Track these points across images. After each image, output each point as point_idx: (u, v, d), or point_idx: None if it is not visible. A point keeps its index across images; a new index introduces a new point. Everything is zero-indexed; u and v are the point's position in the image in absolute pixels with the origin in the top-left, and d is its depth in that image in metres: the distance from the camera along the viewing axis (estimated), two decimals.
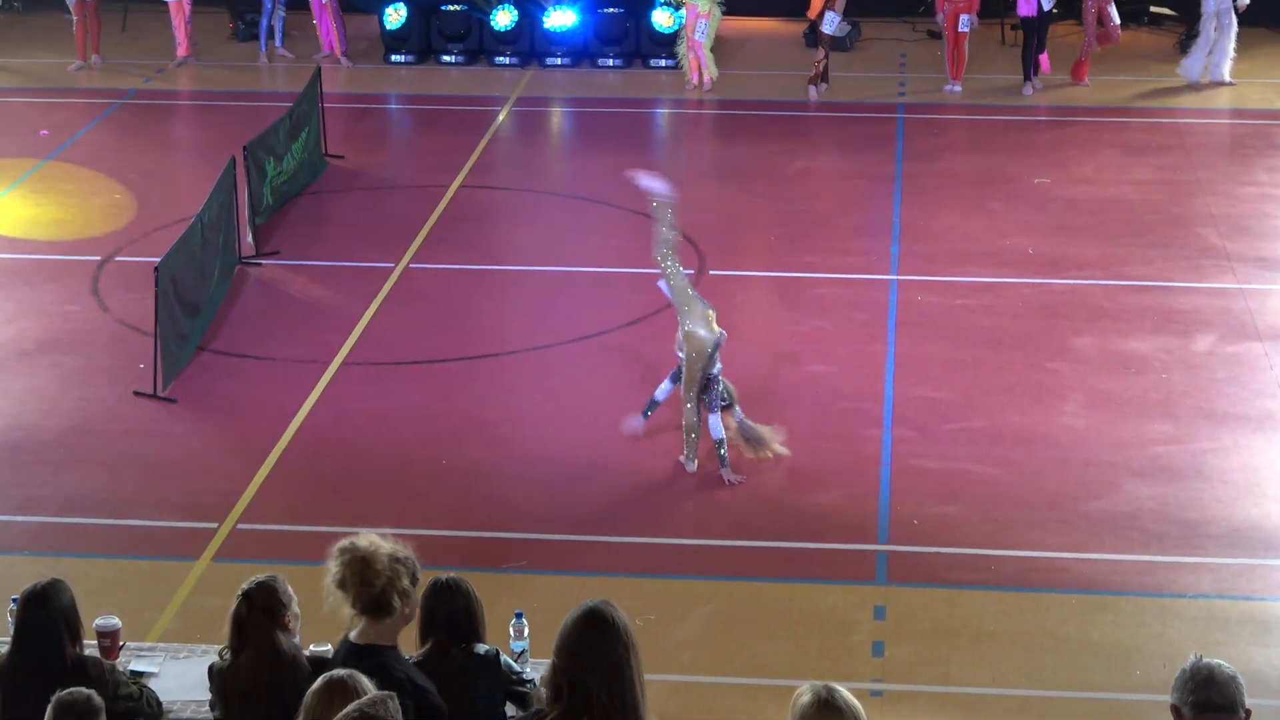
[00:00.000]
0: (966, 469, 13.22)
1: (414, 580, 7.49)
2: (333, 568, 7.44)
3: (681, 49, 23.43)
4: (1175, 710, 6.43)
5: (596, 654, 6.37)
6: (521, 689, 7.97)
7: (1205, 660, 6.38)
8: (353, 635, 7.45)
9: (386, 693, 6.43)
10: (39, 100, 23.05)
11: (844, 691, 6.05)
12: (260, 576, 7.90)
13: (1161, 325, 15.69)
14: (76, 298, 16.37)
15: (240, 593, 7.81)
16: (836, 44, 23.38)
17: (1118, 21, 22.79)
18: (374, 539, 7.49)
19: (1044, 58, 22.87)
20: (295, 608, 7.93)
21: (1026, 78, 22.77)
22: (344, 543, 7.48)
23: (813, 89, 22.77)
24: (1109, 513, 12.54)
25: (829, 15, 22.24)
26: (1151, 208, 18.64)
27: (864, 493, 12.87)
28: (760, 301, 16.38)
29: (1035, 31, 22.56)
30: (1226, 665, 6.35)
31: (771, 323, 15.90)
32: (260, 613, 7.76)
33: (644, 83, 23.79)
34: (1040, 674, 10.69)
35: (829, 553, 12.12)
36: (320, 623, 7.90)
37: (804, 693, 6.06)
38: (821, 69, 22.77)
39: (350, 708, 6.29)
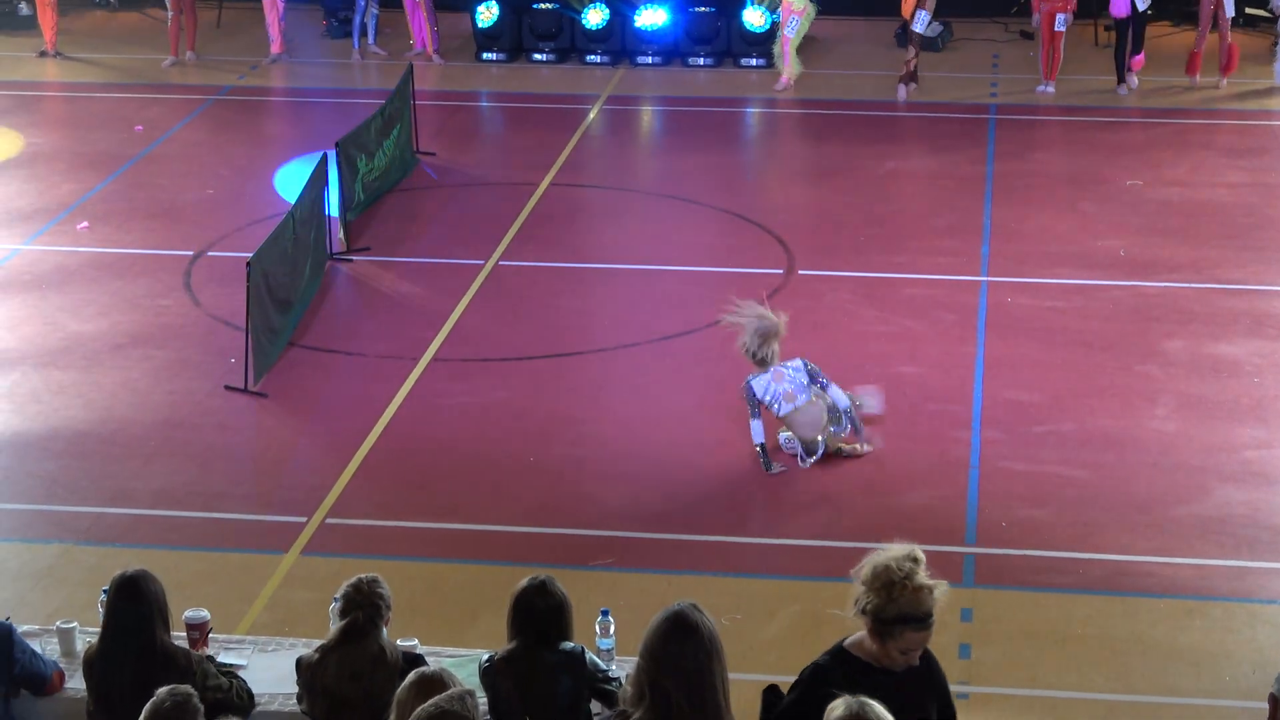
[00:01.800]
0: (1055, 472, 13.14)
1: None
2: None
3: (776, 48, 23.41)
4: (1273, 700, 6.47)
5: (679, 659, 6.37)
6: (607, 686, 7.97)
7: None
8: None
9: (466, 689, 6.47)
10: (134, 96, 23.26)
11: (876, 706, 6.12)
12: (365, 577, 7.95)
13: (1254, 329, 15.55)
14: (169, 292, 16.51)
15: (355, 600, 7.84)
16: (927, 44, 23.28)
17: (1231, 14, 22.54)
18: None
19: (1138, 59, 22.66)
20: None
21: (1120, 79, 22.61)
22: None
23: (902, 88, 22.70)
24: (1199, 517, 12.44)
25: (920, 14, 22.14)
26: (1245, 210, 18.48)
27: (952, 494, 12.81)
28: (849, 302, 16.33)
29: (1129, 31, 22.40)
30: None
31: (860, 323, 15.86)
32: (367, 610, 7.82)
33: (735, 82, 23.78)
34: (1127, 678, 10.61)
35: None
36: (405, 618, 7.95)
37: (837, 706, 6.09)
38: (912, 68, 22.69)
39: (429, 703, 6.33)
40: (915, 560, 6.63)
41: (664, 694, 6.35)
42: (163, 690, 7.09)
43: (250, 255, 14.54)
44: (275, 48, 24.80)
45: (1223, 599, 11.45)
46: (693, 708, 6.36)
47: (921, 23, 22.29)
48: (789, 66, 23.10)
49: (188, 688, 7.16)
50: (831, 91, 23.12)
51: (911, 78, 22.73)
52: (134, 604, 7.89)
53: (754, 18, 24.06)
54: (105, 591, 8.25)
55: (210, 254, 17.42)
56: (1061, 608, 11.37)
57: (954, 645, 10.88)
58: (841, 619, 11.10)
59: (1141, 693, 10.48)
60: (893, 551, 6.65)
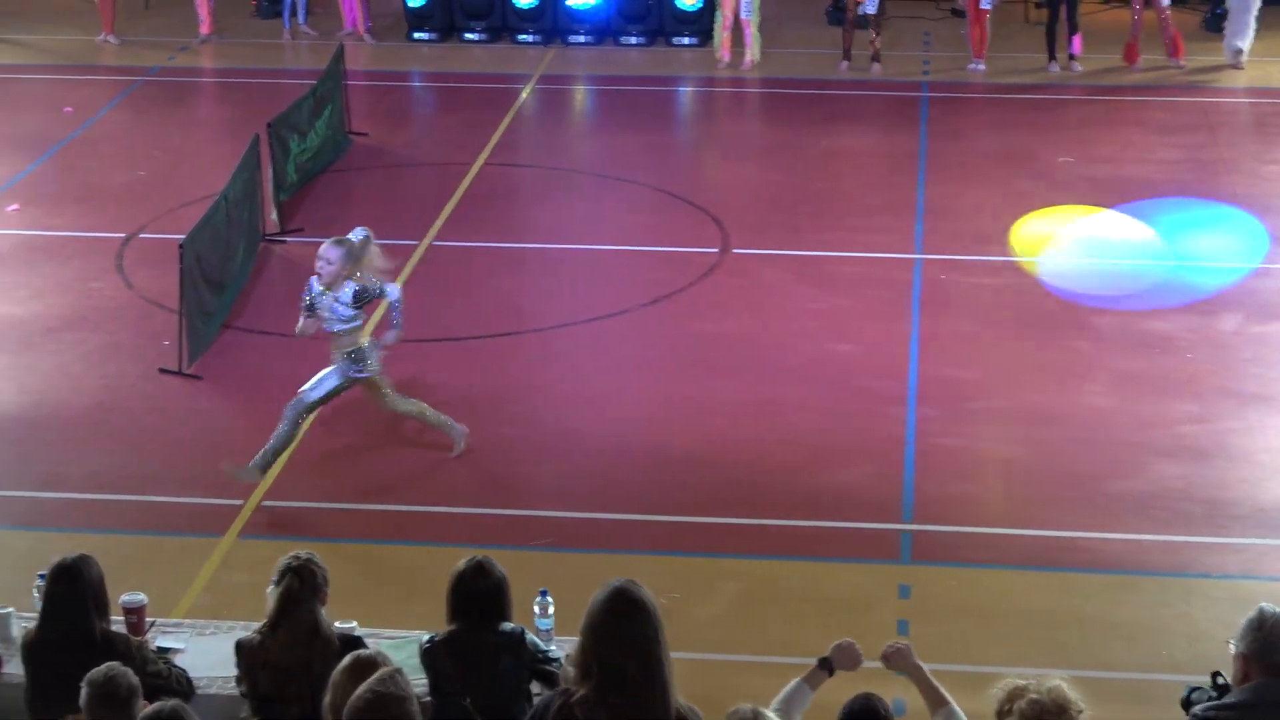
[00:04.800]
0: (991, 448, 13.22)
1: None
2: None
3: (717, 26, 23.34)
4: (1243, 658, 6.54)
5: (626, 634, 6.38)
6: (548, 667, 7.97)
7: (1274, 609, 6.50)
8: None
9: (395, 667, 6.48)
10: (62, 77, 23.08)
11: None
12: (302, 553, 7.93)
13: (1186, 305, 15.65)
14: (101, 275, 16.40)
15: (289, 568, 7.82)
16: (860, 22, 23.30)
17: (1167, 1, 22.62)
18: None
19: (1077, 39, 22.70)
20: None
21: (1051, 56, 22.68)
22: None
23: (843, 64, 22.75)
24: (1134, 492, 12.53)
25: None
26: (1176, 187, 18.58)
27: (888, 471, 12.86)
28: (784, 280, 16.35)
29: (1059, 9, 22.46)
30: None
31: (794, 301, 15.88)
32: (307, 589, 7.80)
33: (667, 60, 23.76)
34: (1064, 653, 10.67)
35: (853, 531, 12.12)
36: (343, 600, 7.93)
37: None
38: (848, 45, 22.79)
39: (363, 687, 6.33)
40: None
41: (613, 670, 6.35)
42: (98, 669, 7.08)
43: (183, 237, 14.47)
44: (205, 28, 24.65)
45: (1158, 574, 11.53)
46: (643, 681, 6.36)
47: (874, 3, 22.38)
48: (751, 47, 23.07)
49: (122, 665, 7.14)
50: (765, 70, 23.12)
51: (875, 57, 22.79)
52: (72, 589, 7.84)
53: None
54: (41, 576, 8.20)
55: (142, 236, 17.31)
56: (998, 583, 11.44)
57: (892, 622, 10.93)
58: (780, 597, 11.20)
59: (1078, 667, 10.50)
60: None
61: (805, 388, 14.11)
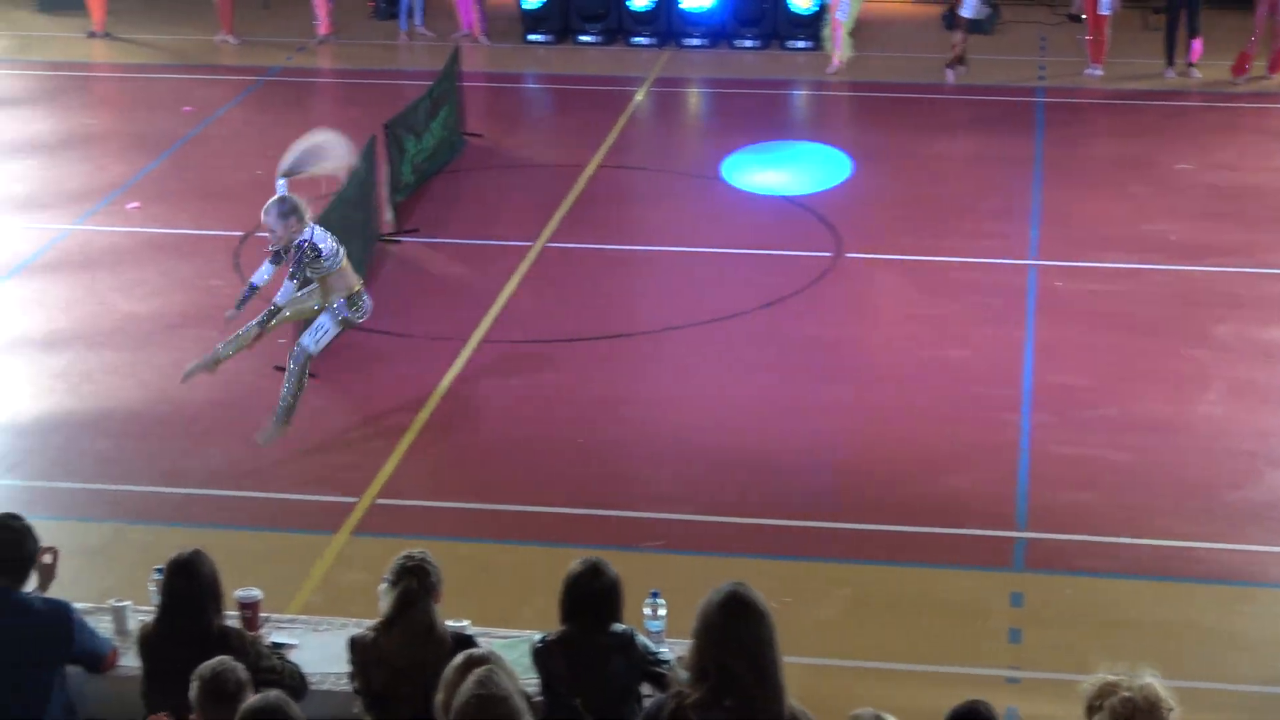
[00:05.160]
0: (1106, 456, 13.11)
1: None
2: None
3: (826, 30, 23.36)
4: None
5: (740, 636, 6.37)
6: (658, 669, 7.98)
7: None
8: None
9: (488, 667, 6.49)
10: (183, 77, 23.34)
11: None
12: (416, 553, 7.96)
13: None
14: (220, 272, 16.57)
15: (406, 568, 7.86)
16: (975, 27, 23.21)
17: None
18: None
19: (1197, 44, 22.48)
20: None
21: (1169, 62, 22.48)
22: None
23: (949, 72, 22.64)
24: (1250, 502, 12.39)
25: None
26: None
27: (1001, 478, 12.78)
28: (896, 285, 16.31)
29: (1179, 15, 22.25)
30: None
31: (907, 306, 15.83)
32: (423, 589, 7.85)
33: (781, 64, 23.74)
34: (1178, 663, 10.53)
35: (966, 538, 12.05)
36: (456, 599, 7.96)
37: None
38: (960, 52, 22.63)
39: (464, 689, 6.36)
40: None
41: (727, 672, 6.35)
42: (208, 663, 7.15)
43: None
44: (323, 29, 24.87)
45: (1273, 585, 11.41)
46: (757, 684, 6.36)
47: (969, 7, 22.23)
48: (840, 49, 23.05)
49: (232, 659, 7.22)
50: (878, 74, 23.07)
51: (960, 61, 22.67)
52: (189, 584, 7.92)
53: (801, 0, 24.03)
54: (158, 571, 8.29)
55: (259, 234, 17.43)
56: (1112, 592, 11.35)
57: (1004, 630, 10.88)
58: (892, 602, 11.16)
59: (1192, 678, 10.40)
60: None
61: (918, 393, 14.06)
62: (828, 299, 15.92)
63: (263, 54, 24.33)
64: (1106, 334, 15.14)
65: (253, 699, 6.87)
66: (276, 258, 12.96)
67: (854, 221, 17.78)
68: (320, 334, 12.99)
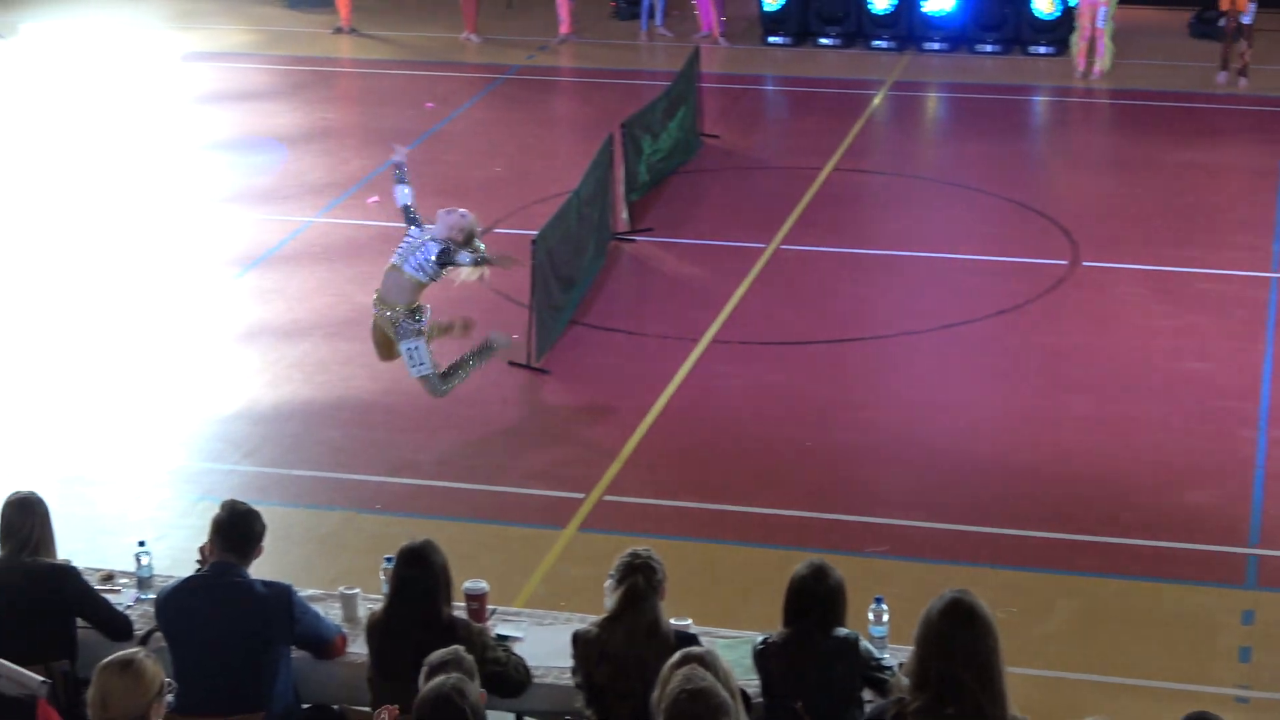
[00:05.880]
0: None
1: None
2: None
3: (1073, 36, 23.07)
4: None
5: (964, 644, 6.31)
6: (880, 675, 7.94)
7: None
8: None
9: (691, 665, 6.48)
10: (425, 73, 23.68)
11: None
12: (642, 550, 7.98)
13: None
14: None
15: (634, 565, 7.89)
16: (1236, 33, 22.74)
17: None
18: None
19: None
20: None
21: None
22: None
23: (1242, 79, 22.26)
24: None
25: (1251, 7, 21.76)
26: None
27: (1237, 494, 12.52)
28: (1134, 294, 16.05)
29: None
30: None
31: (1147, 317, 15.56)
32: (650, 587, 7.88)
33: (1023, 69, 23.50)
34: None
35: (1198, 553, 11.82)
36: (679, 597, 7.96)
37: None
38: (1247, 60, 22.25)
39: (672, 686, 6.36)
40: None
41: (951, 680, 6.29)
42: (439, 651, 7.21)
43: (536, 233, 14.73)
44: (564, 28, 25.11)
45: None
46: (982, 693, 6.29)
47: (1252, 14, 21.88)
48: (1102, 56, 22.75)
49: (462, 649, 7.26)
50: (1122, 81, 22.72)
51: (1243, 72, 22.28)
52: (419, 573, 8.01)
53: (1044, 4, 23.77)
54: (388, 559, 8.40)
55: (496, 231, 17.62)
56: None
57: (1234, 648, 10.65)
58: (1122, 615, 10.98)
59: None
60: None
61: (1153, 405, 13.83)
62: (1063, 307, 15.71)
63: (504, 53, 24.62)
64: None
65: (431, 682, 6.83)
66: (401, 178, 13.50)
67: (1091, 229, 17.53)
68: (415, 362, 13.14)
